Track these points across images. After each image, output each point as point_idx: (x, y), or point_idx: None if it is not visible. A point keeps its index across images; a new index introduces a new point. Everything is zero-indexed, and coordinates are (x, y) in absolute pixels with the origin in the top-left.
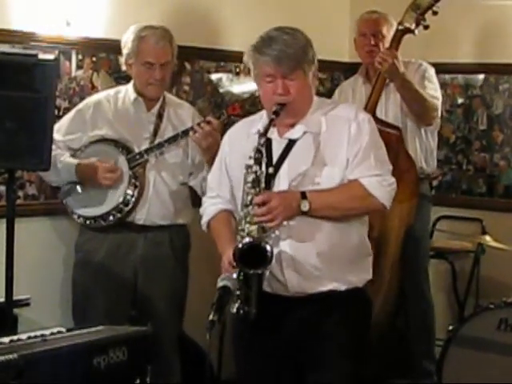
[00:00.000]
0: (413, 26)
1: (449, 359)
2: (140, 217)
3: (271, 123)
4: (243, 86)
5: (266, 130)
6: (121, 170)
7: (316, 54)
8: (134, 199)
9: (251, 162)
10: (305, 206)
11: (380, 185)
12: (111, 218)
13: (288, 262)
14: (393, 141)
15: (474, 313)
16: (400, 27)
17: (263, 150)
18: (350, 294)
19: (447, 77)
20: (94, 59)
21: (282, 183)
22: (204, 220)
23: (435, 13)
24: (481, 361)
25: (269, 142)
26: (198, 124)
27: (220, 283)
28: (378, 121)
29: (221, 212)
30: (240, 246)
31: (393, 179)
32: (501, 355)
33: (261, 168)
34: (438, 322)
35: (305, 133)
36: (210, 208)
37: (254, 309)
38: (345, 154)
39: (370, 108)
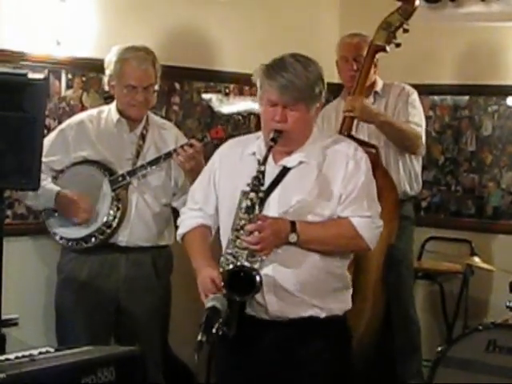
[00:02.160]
0: (384, 44)
1: (437, 380)
2: (122, 238)
3: (270, 150)
4: (233, 107)
5: (266, 158)
6: (95, 209)
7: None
8: (116, 221)
9: (247, 188)
10: (293, 238)
11: (369, 227)
12: (93, 239)
13: (269, 287)
14: (369, 159)
15: (463, 334)
16: (372, 46)
17: (261, 178)
18: (330, 321)
19: (436, 98)
20: (83, 79)
21: (271, 209)
22: (180, 231)
23: (406, 30)
24: (469, 382)
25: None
26: (182, 147)
27: (208, 303)
28: (353, 139)
29: (199, 227)
30: (230, 268)
31: (381, 222)
32: (489, 376)
33: (257, 196)
34: (426, 343)
35: (300, 162)
36: (188, 220)
37: (233, 331)
38: (338, 190)
39: (347, 127)
